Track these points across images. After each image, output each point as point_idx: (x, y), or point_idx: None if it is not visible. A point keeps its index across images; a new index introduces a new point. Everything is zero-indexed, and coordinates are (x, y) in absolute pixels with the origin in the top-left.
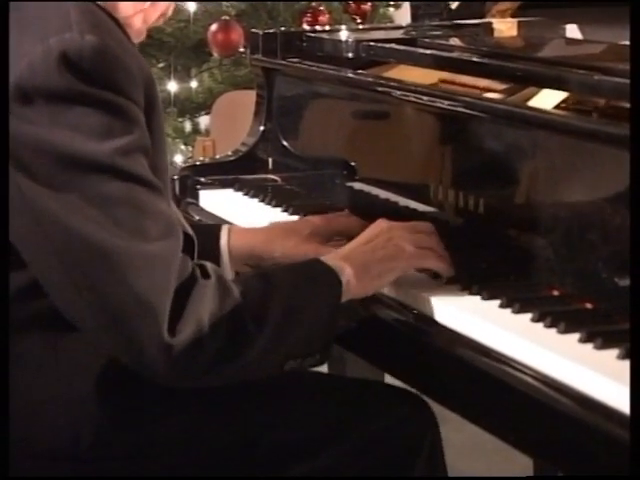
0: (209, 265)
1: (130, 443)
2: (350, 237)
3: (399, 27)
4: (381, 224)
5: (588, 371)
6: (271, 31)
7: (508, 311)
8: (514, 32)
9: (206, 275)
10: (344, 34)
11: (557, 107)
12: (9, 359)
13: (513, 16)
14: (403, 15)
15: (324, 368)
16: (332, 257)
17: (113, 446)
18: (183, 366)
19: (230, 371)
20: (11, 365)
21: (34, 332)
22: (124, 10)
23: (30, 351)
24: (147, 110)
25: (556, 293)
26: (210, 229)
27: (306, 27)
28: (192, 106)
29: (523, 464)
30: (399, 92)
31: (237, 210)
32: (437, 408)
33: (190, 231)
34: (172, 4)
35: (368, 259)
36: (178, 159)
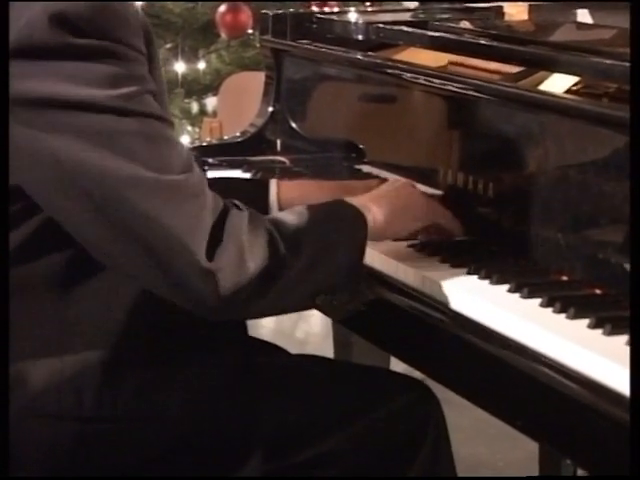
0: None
1: (131, 408)
2: None
3: (409, 10)
4: (402, 180)
5: (597, 357)
6: (281, 12)
7: (517, 296)
8: (525, 16)
9: (239, 209)
10: (354, 16)
11: (568, 91)
12: (14, 321)
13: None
14: None
15: (330, 353)
16: (360, 198)
17: (116, 409)
18: (229, 290)
19: (268, 299)
20: (15, 327)
21: (38, 294)
22: None
23: (35, 312)
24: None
25: (565, 278)
26: (258, 184)
27: (315, 9)
28: (199, 87)
29: (528, 449)
30: (409, 74)
31: None
32: (442, 392)
33: None
34: None
35: (393, 202)
36: (185, 140)
